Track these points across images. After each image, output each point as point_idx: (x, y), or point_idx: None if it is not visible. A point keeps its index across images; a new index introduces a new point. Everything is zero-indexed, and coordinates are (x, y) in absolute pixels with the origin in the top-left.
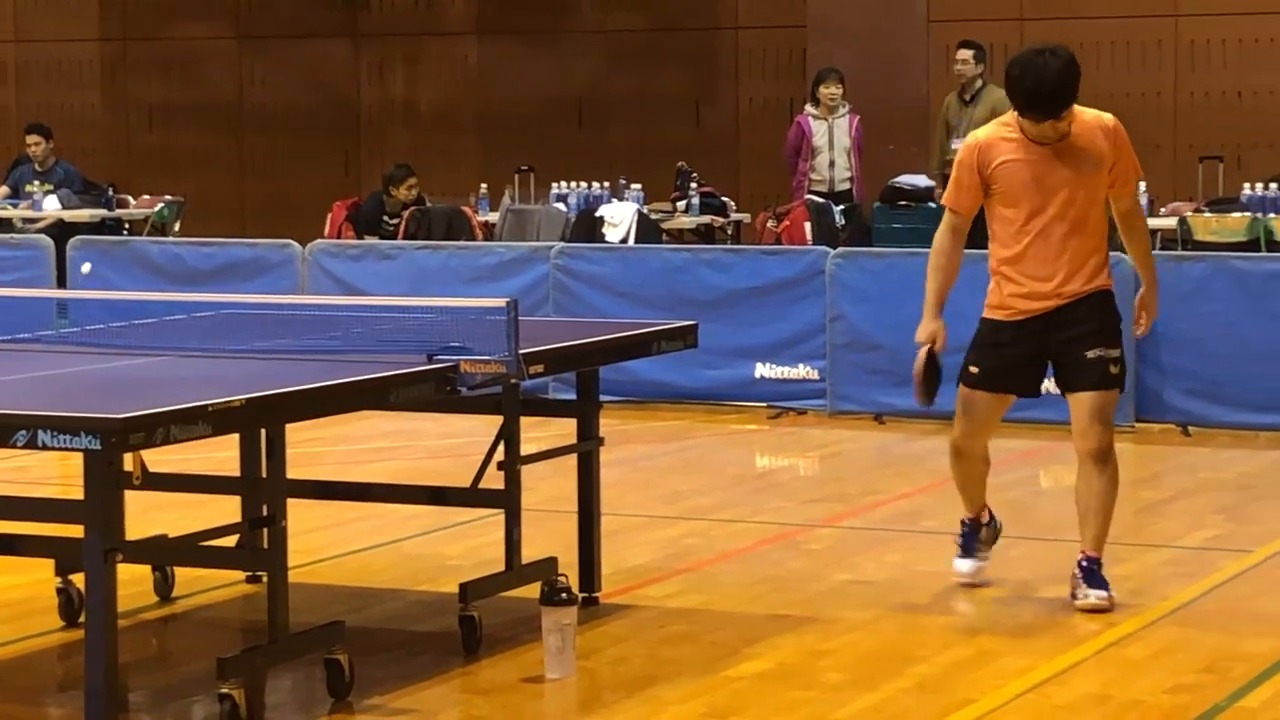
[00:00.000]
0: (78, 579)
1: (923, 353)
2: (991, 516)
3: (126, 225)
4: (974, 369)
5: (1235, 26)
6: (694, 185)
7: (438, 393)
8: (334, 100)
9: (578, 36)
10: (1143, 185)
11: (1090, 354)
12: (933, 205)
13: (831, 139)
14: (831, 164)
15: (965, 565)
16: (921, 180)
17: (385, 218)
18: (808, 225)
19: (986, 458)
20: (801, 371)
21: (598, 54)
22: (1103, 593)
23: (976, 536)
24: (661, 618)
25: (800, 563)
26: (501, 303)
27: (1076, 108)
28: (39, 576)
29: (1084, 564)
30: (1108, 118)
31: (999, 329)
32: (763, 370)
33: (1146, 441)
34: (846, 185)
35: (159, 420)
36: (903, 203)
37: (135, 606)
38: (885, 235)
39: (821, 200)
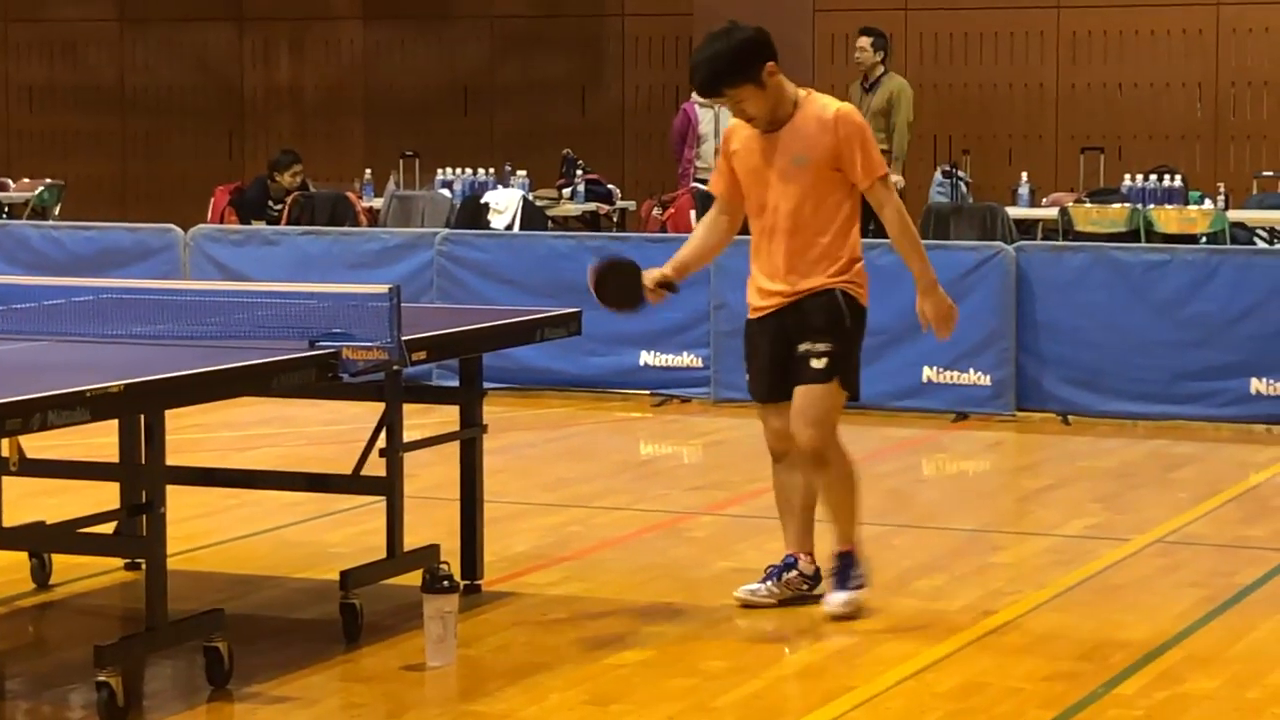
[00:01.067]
0: None
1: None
2: (816, 574)
3: (5, 208)
4: (748, 378)
5: (1116, 18)
6: (579, 172)
7: (319, 379)
8: (218, 84)
9: (464, 22)
10: (1024, 175)
11: (800, 348)
12: None
13: (717, 127)
14: (717, 152)
15: (746, 587)
16: None
17: (270, 203)
18: (693, 213)
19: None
20: (685, 359)
21: (483, 39)
22: (842, 595)
23: (784, 573)
24: (544, 605)
25: (682, 550)
26: (384, 289)
27: (814, 97)
28: None
29: (835, 560)
30: (832, 110)
31: (749, 329)
32: (647, 358)
33: (1027, 430)
34: None
35: (36, 405)
36: None
37: (12, 594)
38: None
39: (707, 188)
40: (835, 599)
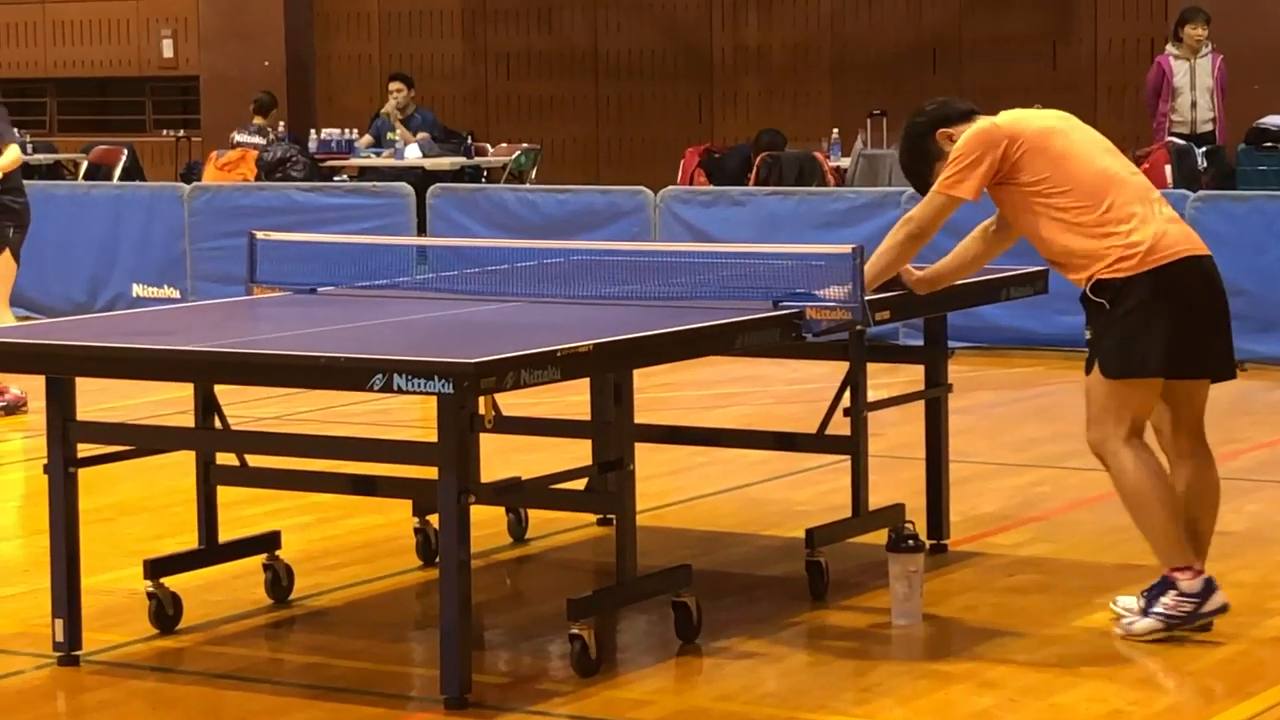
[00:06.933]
0: (435, 519)
1: None
2: (1203, 589)
3: (485, 172)
4: None
5: None
6: None
7: (783, 339)
8: (687, 47)
9: None
10: None
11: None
12: None
13: (1193, 80)
14: (1193, 105)
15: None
16: None
17: (747, 174)
18: (1168, 168)
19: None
20: None
21: None
22: (1135, 620)
23: (1159, 595)
24: (1010, 566)
25: None
26: (848, 249)
27: None
28: (398, 517)
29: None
30: None
31: None
32: None
33: None
34: (1209, 127)
35: (510, 365)
36: (1268, 145)
37: (490, 547)
38: (1250, 178)
39: (1183, 142)
40: (1130, 622)
